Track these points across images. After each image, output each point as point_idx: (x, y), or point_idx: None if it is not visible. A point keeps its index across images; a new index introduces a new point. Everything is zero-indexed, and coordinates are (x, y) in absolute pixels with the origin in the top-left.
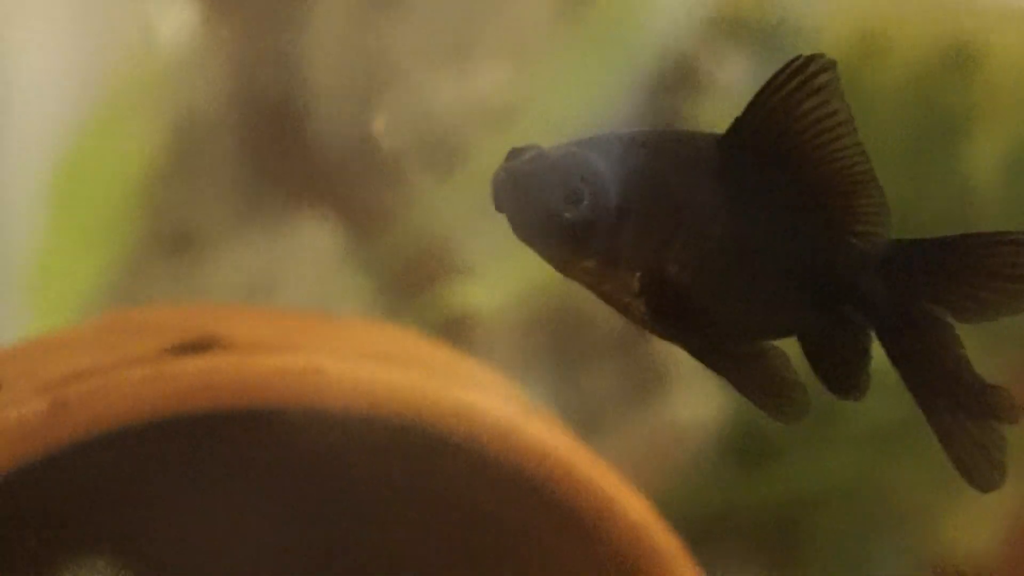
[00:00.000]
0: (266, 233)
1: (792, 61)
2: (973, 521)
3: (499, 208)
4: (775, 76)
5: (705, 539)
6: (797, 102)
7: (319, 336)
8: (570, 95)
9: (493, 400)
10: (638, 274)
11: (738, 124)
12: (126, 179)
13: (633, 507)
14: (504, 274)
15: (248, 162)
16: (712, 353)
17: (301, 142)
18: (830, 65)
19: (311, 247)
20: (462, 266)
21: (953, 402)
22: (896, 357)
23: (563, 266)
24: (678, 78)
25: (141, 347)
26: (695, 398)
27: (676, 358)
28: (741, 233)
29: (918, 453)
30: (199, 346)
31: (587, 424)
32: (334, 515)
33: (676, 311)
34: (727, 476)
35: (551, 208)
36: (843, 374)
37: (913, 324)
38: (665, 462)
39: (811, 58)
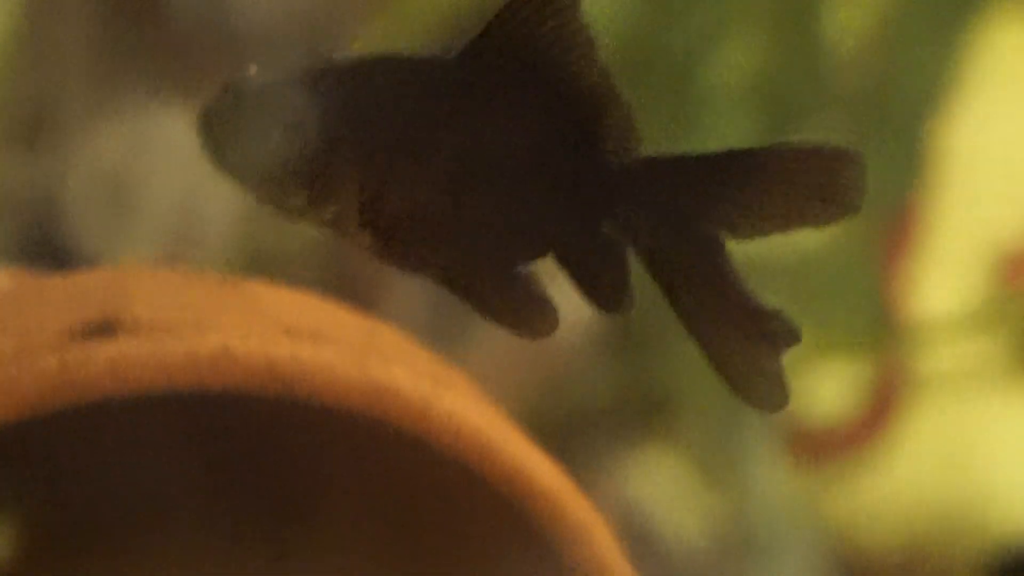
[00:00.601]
0: (126, 120)
1: None
2: (830, 383)
3: (204, 147)
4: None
5: (582, 431)
6: (536, 23)
7: (227, 310)
8: None
9: (407, 375)
10: (356, 204)
11: (474, 45)
12: None
13: (545, 472)
14: None
15: (107, 42)
16: (458, 280)
17: (160, 21)
18: None
19: (174, 137)
20: None
21: (727, 326)
22: (661, 278)
23: (276, 203)
24: None
25: (42, 330)
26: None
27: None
28: (478, 155)
29: None
30: (104, 328)
31: (459, 333)
32: (250, 496)
33: (403, 239)
34: (599, 368)
35: (249, 145)
36: (606, 291)
37: (679, 243)
38: (539, 361)
39: None
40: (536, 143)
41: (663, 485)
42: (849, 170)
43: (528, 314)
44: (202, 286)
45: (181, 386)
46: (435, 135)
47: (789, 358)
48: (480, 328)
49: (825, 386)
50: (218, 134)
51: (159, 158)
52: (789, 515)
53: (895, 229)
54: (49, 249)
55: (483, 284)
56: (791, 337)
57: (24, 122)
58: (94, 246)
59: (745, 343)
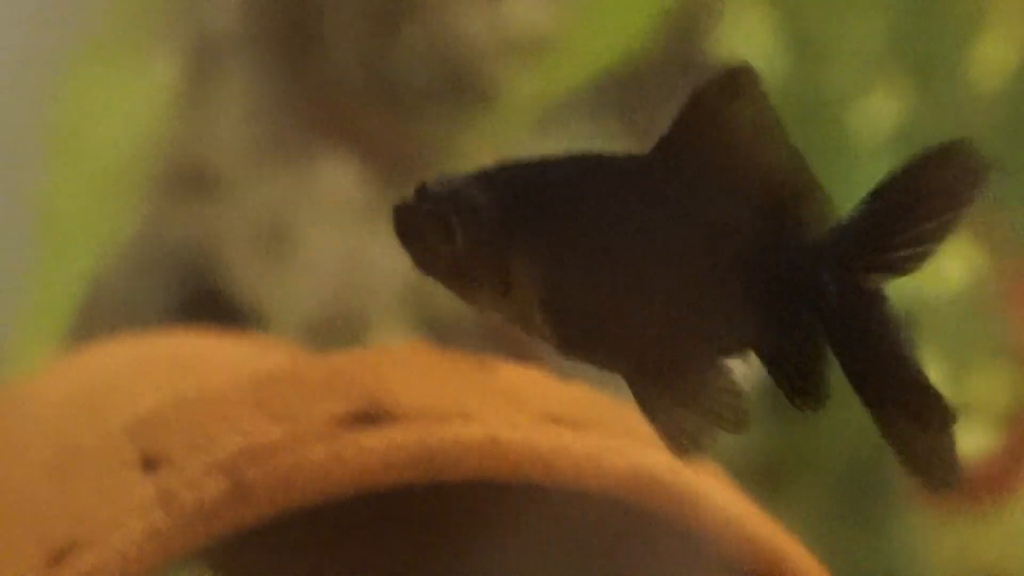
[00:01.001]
0: (286, 171)
1: (716, 71)
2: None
3: (401, 245)
4: (699, 88)
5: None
6: (723, 113)
7: (487, 396)
8: (605, 28)
9: (667, 459)
10: (538, 299)
11: (663, 141)
12: (136, 113)
13: (803, 560)
14: None
15: (265, 95)
16: (642, 377)
17: (319, 74)
18: (753, 72)
19: (333, 188)
20: None
21: (897, 398)
22: (843, 351)
23: (466, 299)
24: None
25: (310, 418)
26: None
27: None
28: (667, 250)
29: None
30: (370, 417)
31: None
32: None
33: (584, 334)
34: (783, 428)
35: (431, 246)
36: (803, 382)
37: (859, 304)
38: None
39: (735, 68)
40: (730, 232)
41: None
42: (964, 156)
43: (720, 411)
44: (459, 371)
45: (446, 476)
46: (623, 232)
47: None
48: None
49: (963, 430)
50: (410, 232)
51: (320, 210)
52: (932, 561)
53: None
54: (211, 300)
55: (675, 381)
56: (949, 417)
57: (187, 175)
58: (255, 298)
59: (913, 420)
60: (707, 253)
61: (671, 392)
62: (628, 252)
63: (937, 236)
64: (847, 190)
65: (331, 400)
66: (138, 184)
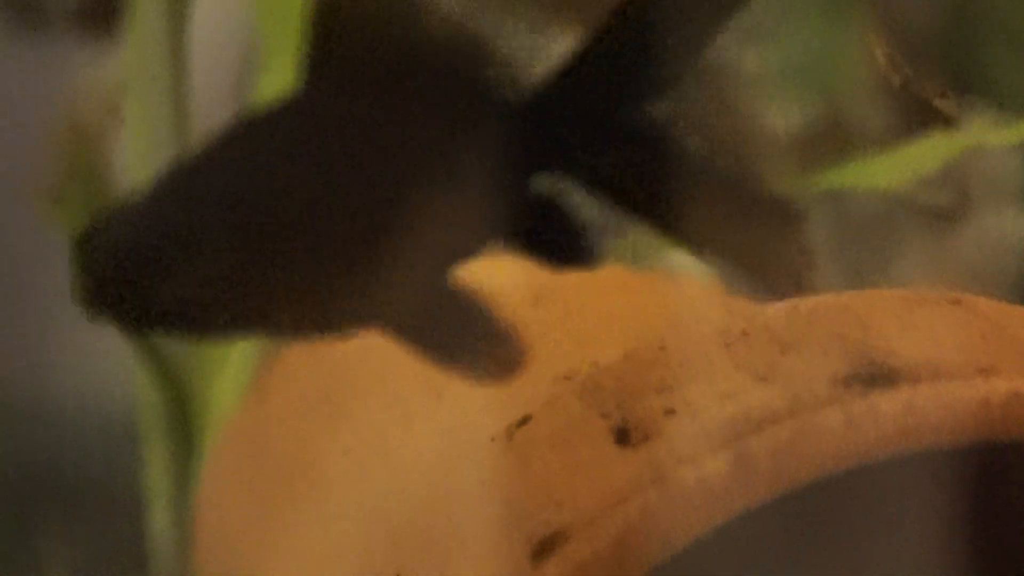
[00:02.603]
0: None
1: None
2: None
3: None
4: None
5: None
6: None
7: (987, 341)
8: None
9: None
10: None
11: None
12: None
13: None
14: None
15: None
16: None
17: None
18: None
19: None
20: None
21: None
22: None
23: None
24: None
25: (806, 379)
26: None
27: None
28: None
29: None
30: (877, 378)
31: None
32: None
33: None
34: None
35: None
36: (564, 245)
37: (618, 146)
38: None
39: None
40: (415, 134)
41: None
42: None
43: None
44: (943, 313)
45: (967, 438)
46: (294, 175)
47: None
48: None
49: None
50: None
51: None
52: None
53: None
54: None
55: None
56: (795, 216)
57: None
58: None
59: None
60: (398, 159)
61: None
62: (312, 193)
63: None
64: None
65: (824, 358)
66: None
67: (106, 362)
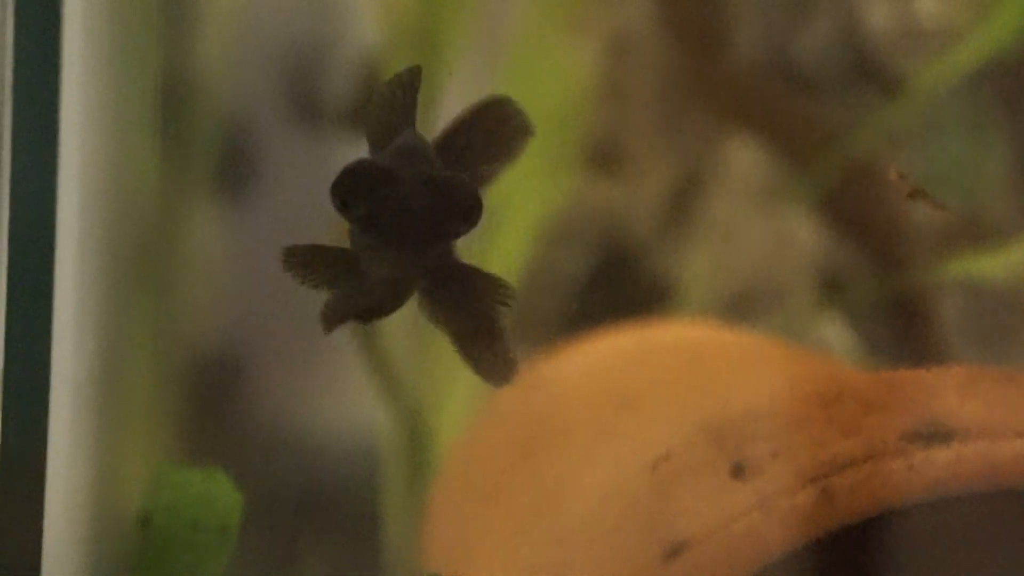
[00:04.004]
0: (693, 151)
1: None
2: None
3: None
4: None
5: None
6: None
7: None
8: (1000, 18)
9: None
10: None
11: None
12: (559, 99)
13: None
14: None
15: (674, 79)
16: None
17: (727, 59)
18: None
19: (736, 169)
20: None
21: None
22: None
23: None
24: None
25: (880, 433)
26: None
27: None
28: None
29: None
30: (936, 435)
31: None
32: None
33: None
34: None
35: None
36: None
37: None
38: None
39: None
40: None
41: None
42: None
43: None
44: (1001, 388)
45: (1002, 487)
46: None
47: None
48: None
49: None
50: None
51: (729, 188)
52: None
53: None
54: (623, 271)
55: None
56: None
57: (602, 152)
58: (663, 268)
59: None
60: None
61: None
62: None
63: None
64: None
65: (896, 418)
66: (568, 160)
67: (354, 400)
